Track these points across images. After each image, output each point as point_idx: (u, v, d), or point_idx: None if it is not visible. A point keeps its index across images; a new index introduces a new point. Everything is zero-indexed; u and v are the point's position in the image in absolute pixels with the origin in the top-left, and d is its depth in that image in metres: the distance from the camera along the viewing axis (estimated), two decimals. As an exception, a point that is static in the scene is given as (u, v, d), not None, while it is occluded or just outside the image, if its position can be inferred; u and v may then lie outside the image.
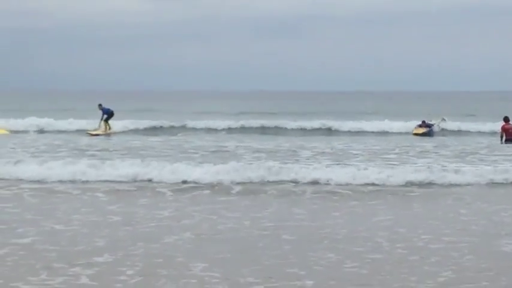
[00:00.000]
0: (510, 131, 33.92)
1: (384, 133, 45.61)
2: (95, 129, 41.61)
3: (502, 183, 20.65)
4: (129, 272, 10.86)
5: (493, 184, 20.54)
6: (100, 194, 18.51)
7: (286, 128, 48.84)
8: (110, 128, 41.69)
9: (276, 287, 10.08)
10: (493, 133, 42.65)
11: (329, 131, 47.43)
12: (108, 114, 41.57)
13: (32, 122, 47.83)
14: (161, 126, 48.15)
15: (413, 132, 41.99)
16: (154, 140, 35.32)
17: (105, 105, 42.30)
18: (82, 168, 21.38)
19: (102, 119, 41.47)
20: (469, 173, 21.32)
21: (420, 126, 42.43)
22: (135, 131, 45.70)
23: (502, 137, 34.04)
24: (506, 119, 34.49)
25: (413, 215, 16.45)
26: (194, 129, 47.13)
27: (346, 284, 10.30)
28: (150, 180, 20.69)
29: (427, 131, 41.58)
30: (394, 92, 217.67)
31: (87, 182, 20.47)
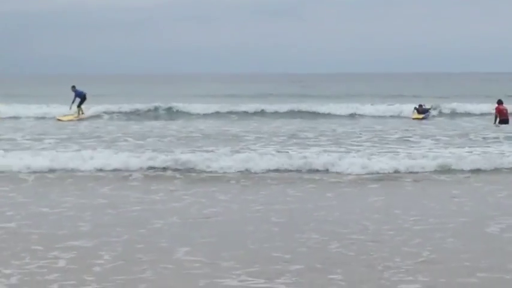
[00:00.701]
0: (504, 111, 35.48)
1: (381, 117, 43.26)
2: (65, 115, 40.96)
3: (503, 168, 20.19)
4: (107, 257, 10.79)
5: (496, 169, 20.05)
6: (91, 181, 18.44)
7: (277, 112, 45.47)
8: (82, 113, 40.87)
9: (257, 272, 9.99)
10: (482, 114, 42.48)
11: (315, 115, 44.37)
12: (81, 97, 40.58)
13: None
14: (149, 110, 45.64)
15: (413, 117, 41.34)
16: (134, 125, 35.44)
17: (79, 88, 40.97)
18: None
19: (73, 102, 40.56)
20: (470, 157, 20.98)
21: (418, 110, 41.66)
22: (115, 115, 43.55)
23: (496, 118, 35.45)
24: (499, 102, 36.03)
25: (407, 196, 16.42)
26: (181, 112, 45.13)
27: (331, 266, 10.25)
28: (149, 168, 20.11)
29: (426, 115, 41.22)
30: (395, 74, 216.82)
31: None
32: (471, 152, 22.32)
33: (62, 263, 10.50)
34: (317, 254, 11.03)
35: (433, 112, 42.82)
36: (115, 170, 19.77)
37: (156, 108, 45.66)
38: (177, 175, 19.15)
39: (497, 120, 35.23)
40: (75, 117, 40.46)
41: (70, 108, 41.03)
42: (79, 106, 40.94)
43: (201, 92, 77.04)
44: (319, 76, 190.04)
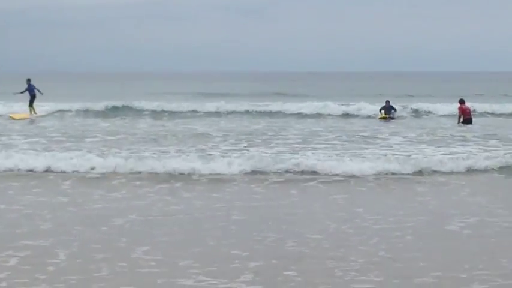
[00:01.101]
0: (467, 111, 35.25)
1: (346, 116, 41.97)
2: (17, 113, 40.21)
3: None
4: (63, 256, 10.70)
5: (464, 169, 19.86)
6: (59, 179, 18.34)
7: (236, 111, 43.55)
8: (34, 112, 40.33)
9: (213, 271, 9.96)
10: (445, 115, 41.69)
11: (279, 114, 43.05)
12: (31, 94, 40.15)
13: None
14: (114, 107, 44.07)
15: (379, 117, 39.62)
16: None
17: (35, 85, 40.37)
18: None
19: (22, 92, 40.35)
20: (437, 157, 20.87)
21: (384, 108, 39.62)
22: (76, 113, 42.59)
23: (460, 117, 35.15)
24: (461, 101, 35.52)
25: (371, 195, 16.44)
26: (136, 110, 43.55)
27: (286, 263, 10.27)
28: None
29: (392, 114, 39.59)
30: (366, 73, 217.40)
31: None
32: (437, 152, 22.44)
33: (13, 262, 10.41)
34: (275, 251, 11.03)
35: (397, 113, 40.92)
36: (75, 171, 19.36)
37: (113, 107, 44.07)
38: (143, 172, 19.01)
39: (461, 119, 34.90)
40: (28, 115, 39.95)
41: (14, 94, 41.00)
42: (30, 105, 40.53)
43: (163, 90, 76.34)
44: (289, 75, 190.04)
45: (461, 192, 16.44)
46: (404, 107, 43.34)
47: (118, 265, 10.22)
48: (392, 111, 39.89)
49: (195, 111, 43.19)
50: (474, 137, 27.77)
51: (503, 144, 24.92)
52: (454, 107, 37.56)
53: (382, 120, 38.96)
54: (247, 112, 43.21)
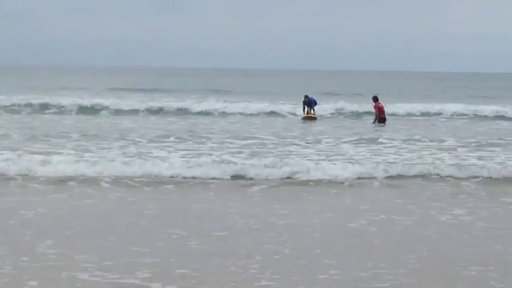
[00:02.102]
0: (383, 109, 33.79)
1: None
2: None
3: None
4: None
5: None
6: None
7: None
8: None
9: (111, 265, 9.85)
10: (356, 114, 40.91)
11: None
12: None
13: None
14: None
15: (304, 116, 36.06)
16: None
17: None
18: None
19: None
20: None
21: (308, 106, 35.97)
22: None
23: (376, 117, 33.65)
24: (375, 99, 33.87)
25: (287, 195, 16.20)
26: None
27: (185, 260, 10.20)
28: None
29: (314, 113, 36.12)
30: (284, 70, 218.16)
31: None
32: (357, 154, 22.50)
33: None
34: (176, 248, 10.99)
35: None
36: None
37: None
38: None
39: (377, 119, 33.38)
40: None
41: None
42: None
43: (75, 84, 75.02)
44: (202, 70, 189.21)
45: (375, 195, 16.65)
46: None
47: (22, 260, 10.05)
48: (314, 103, 36.34)
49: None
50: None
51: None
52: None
53: (308, 120, 35.61)
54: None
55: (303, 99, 36.81)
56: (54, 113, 39.20)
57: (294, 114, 39.24)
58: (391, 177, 18.27)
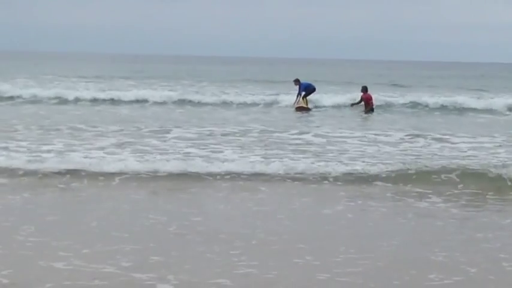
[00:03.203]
0: (370, 101, 32.51)
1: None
2: None
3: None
4: None
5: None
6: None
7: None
8: None
9: (92, 252, 9.95)
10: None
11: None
12: None
13: None
14: None
15: (297, 105, 32.09)
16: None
17: None
18: None
19: None
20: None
21: (303, 95, 32.07)
22: None
23: (365, 106, 32.39)
24: (365, 89, 32.76)
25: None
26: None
27: (165, 246, 10.33)
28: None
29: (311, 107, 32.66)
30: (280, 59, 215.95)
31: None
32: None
33: None
34: (157, 234, 11.11)
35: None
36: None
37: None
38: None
39: (365, 108, 32.15)
40: None
41: None
42: None
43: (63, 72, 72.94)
44: (204, 59, 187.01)
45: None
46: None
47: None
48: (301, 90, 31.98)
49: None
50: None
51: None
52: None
53: (300, 111, 31.48)
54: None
55: (295, 84, 32.41)
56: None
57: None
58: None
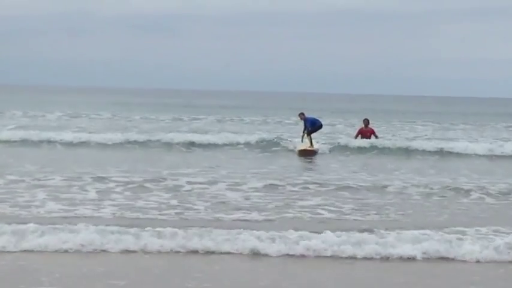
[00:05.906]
0: (368, 134, 26.48)
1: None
2: None
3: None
4: None
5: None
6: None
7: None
8: None
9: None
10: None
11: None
12: None
13: None
14: None
15: (300, 148, 24.37)
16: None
17: None
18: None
19: None
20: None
21: (308, 132, 24.45)
22: None
23: (355, 137, 26.76)
24: (366, 122, 27.22)
25: None
26: None
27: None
28: None
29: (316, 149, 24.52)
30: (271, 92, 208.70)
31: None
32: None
33: None
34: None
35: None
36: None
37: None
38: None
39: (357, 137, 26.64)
40: None
41: None
42: None
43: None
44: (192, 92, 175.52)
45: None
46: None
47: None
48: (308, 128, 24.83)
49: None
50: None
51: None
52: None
53: (304, 156, 23.83)
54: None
55: (300, 118, 26.16)
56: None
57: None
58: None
